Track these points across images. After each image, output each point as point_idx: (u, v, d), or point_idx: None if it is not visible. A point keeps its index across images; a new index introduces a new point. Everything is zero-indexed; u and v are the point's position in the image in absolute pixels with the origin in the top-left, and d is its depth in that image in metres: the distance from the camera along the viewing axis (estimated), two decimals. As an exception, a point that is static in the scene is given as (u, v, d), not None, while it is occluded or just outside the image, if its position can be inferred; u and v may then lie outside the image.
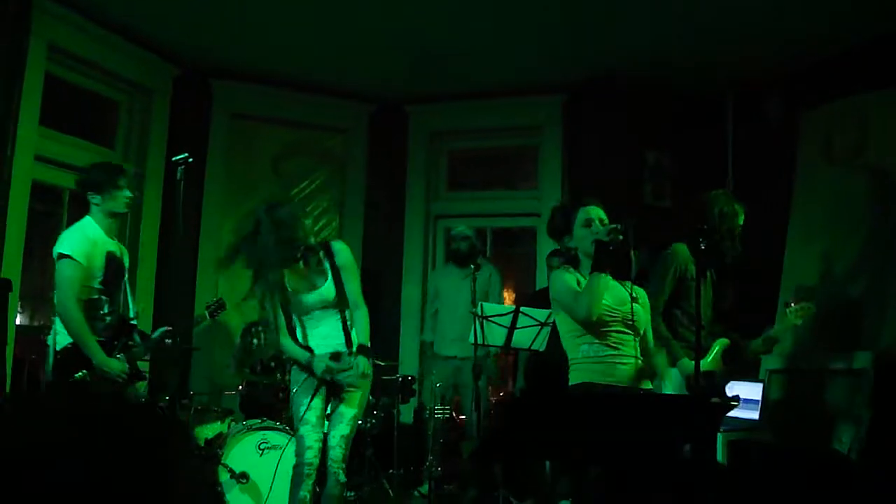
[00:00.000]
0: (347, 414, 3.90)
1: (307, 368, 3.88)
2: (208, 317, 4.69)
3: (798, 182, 6.10)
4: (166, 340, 4.28)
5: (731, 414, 5.12)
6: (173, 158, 4.00)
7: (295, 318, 3.95)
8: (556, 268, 5.57)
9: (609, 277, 3.53)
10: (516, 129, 7.26)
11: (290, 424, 5.17)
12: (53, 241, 4.10)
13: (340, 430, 3.88)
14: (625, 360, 3.53)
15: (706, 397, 3.86)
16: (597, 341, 3.51)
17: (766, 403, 5.37)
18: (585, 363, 3.54)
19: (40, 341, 4.30)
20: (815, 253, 5.82)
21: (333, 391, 3.94)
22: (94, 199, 4.12)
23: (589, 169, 6.63)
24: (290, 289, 3.85)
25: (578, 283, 3.55)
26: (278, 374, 5.42)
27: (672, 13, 5.41)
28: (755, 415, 5.29)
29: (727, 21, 5.48)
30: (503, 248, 7.56)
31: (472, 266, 5.31)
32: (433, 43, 6.04)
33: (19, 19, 5.16)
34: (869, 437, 4.94)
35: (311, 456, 3.81)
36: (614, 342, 3.52)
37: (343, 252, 3.97)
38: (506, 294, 7.40)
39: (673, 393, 4.16)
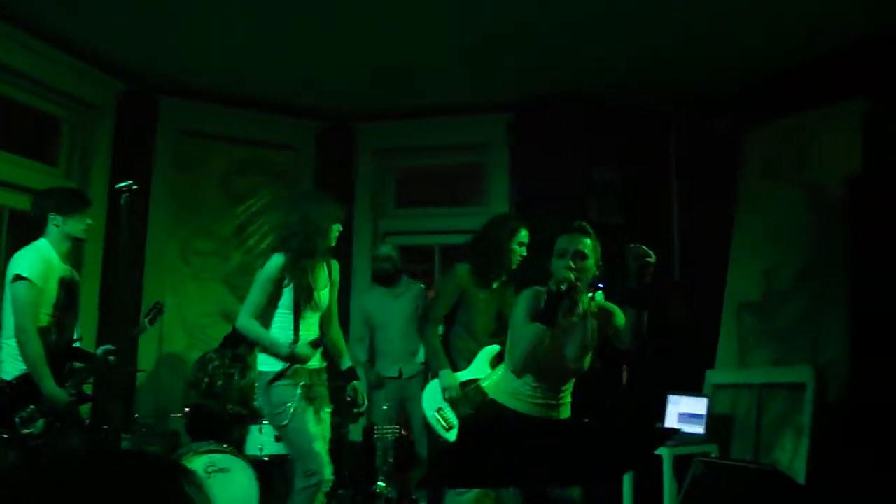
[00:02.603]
0: (328, 435, 4.10)
1: (287, 355, 3.88)
2: (148, 324, 4.62)
3: (741, 198, 6.24)
4: (109, 358, 4.19)
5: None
6: (117, 185, 3.93)
7: (290, 312, 3.95)
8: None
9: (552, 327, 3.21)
10: (464, 146, 7.29)
11: (238, 447, 5.12)
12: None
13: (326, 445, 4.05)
14: (553, 402, 3.36)
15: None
16: (529, 379, 3.32)
17: (710, 418, 5.46)
18: (508, 388, 3.40)
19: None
20: (757, 268, 5.95)
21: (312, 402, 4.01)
22: (56, 220, 4.02)
23: (536, 186, 6.69)
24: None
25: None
26: (229, 405, 5.37)
27: (617, 32, 5.49)
28: (700, 429, 5.37)
29: (672, 41, 5.59)
30: (451, 265, 7.56)
31: (419, 284, 5.32)
32: (382, 61, 6.05)
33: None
34: (812, 453, 5.05)
35: (330, 472, 3.95)
36: (547, 385, 3.34)
37: (337, 270, 4.21)
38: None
39: (428, 404, 4.46)
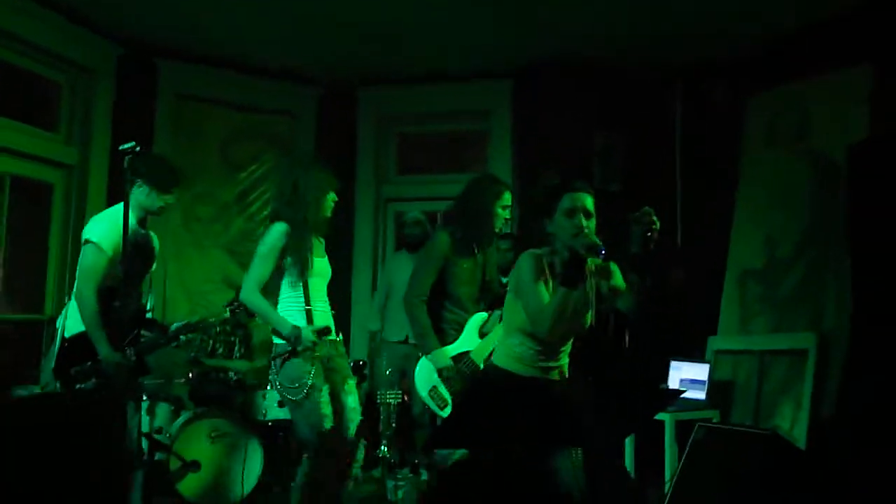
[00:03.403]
0: (359, 407, 3.96)
1: (290, 337, 3.74)
2: (228, 314, 4.57)
3: (743, 167, 6.21)
4: (181, 337, 4.24)
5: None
6: (120, 147, 3.88)
7: (299, 281, 3.86)
8: (504, 250, 5.59)
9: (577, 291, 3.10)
10: (466, 112, 7.25)
11: (241, 412, 5.14)
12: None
13: (356, 423, 3.92)
14: (554, 364, 3.28)
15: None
16: (532, 343, 3.22)
17: (712, 384, 5.48)
18: (510, 352, 3.29)
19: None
20: (759, 236, 5.94)
21: (330, 379, 3.89)
22: (143, 187, 4.02)
23: (538, 153, 6.66)
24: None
25: (546, 281, 3.13)
26: (230, 369, 5.38)
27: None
28: (702, 395, 5.40)
29: (675, 6, 5.53)
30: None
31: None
32: (383, 25, 5.99)
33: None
34: (812, 419, 5.08)
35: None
36: (550, 346, 3.24)
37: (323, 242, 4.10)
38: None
39: (421, 383, 4.37)
